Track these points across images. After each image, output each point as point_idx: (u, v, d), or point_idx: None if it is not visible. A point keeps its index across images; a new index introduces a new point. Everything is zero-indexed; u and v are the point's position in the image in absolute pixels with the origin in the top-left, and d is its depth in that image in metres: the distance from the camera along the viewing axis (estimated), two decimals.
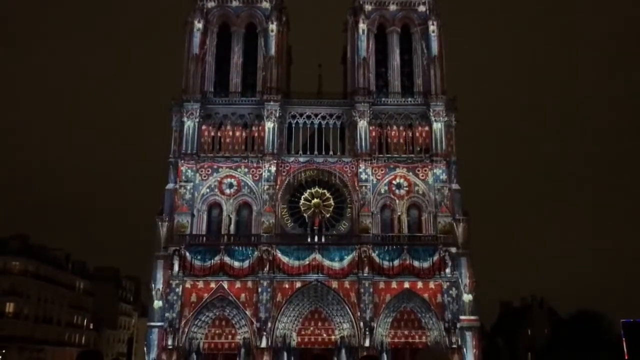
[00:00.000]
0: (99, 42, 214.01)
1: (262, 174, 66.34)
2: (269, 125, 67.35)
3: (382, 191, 66.76)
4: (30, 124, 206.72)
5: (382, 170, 67.22)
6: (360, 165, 66.68)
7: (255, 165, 66.81)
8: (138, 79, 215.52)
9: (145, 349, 62.97)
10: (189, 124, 67.11)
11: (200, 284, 62.33)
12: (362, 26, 71.20)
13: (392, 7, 73.04)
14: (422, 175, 67.12)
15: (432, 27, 71.10)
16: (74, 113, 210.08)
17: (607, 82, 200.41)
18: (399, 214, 66.55)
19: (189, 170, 66.15)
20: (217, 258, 62.33)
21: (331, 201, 67.31)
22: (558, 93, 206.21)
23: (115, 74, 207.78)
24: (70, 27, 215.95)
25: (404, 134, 69.09)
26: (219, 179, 66.74)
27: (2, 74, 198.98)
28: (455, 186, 67.20)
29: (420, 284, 62.79)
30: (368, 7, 72.51)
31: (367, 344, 59.56)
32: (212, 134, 68.58)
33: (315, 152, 68.45)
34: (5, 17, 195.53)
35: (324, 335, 63.55)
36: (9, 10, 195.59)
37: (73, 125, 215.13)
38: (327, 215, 66.78)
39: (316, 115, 69.78)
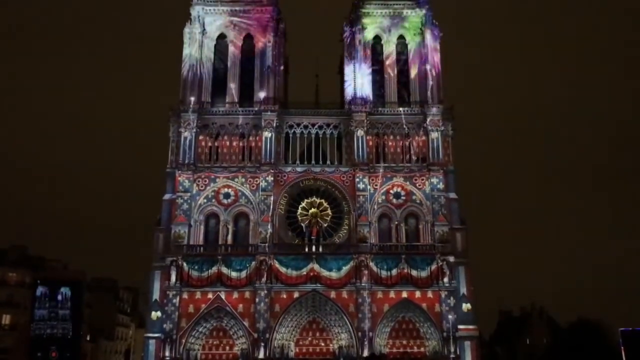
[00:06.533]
0: (95, 52, 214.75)
1: (259, 183, 66.40)
2: (266, 135, 67.52)
3: (380, 200, 66.82)
4: (28, 135, 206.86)
5: (379, 179, 67.28)
6: (358, 175, 66.81)
7: (252, 175, 66.89)
8: (137, 90, 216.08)
9: None
10: (186, 134, 67.27)
11: (198, 295, 62.26)
12: (358, 36, 71.69)
13: (389, 18, 73.49)
14: (420, 185, 67.22)
15: (428, 37, 71.57)
16: (71, 124, 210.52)
17: (609, 88, 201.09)
18: (396, 223, 66.59)
19: (186, 181, 66.22)
20: (214, 268, 62.31)
21: (329, 211, 67.31)
22: (558, 99, 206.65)
23: (114, 85, 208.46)
24: (67, 35, 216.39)
25: (401, 143, 69.31)
26: (216, 189, 66.80)
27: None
28: (452, 195, 67.34)
29: (418, 294, 62.77)
30: (364, 18, 72.92)
31: (365, 354, 59.31)
32: (210, 144, 68.74)
33: (313, 162, 68.55)
34: (3, 22, 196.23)
35: (322, 345, 63.31)
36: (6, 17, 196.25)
37: (71, 136, 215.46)
38: (325, 225, 66.78)
39: (313, 125, 69.94)
